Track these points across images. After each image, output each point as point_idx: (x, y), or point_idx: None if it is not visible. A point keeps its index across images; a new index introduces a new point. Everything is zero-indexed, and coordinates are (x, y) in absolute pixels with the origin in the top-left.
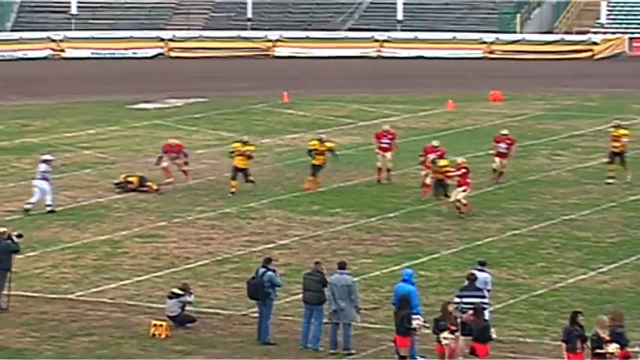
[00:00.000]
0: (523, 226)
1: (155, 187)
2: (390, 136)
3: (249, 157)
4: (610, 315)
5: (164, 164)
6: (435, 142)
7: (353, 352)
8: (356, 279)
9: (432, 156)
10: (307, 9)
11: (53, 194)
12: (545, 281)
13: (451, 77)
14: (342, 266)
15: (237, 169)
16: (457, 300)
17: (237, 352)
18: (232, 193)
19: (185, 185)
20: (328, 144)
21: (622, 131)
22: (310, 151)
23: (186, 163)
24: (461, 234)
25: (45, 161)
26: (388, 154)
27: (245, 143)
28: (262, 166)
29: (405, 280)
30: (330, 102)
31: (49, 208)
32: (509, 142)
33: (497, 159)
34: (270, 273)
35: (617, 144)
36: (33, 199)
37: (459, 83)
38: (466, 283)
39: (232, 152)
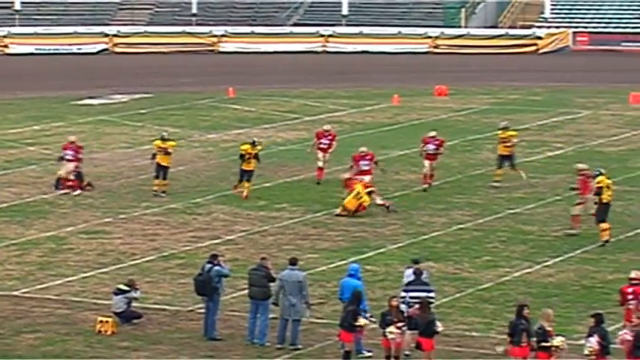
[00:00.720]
0: (469, 220)
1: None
2: (329, 137)
3: (168, 154)
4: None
5: (71, 177)
6: (362, 149)
7: (300, 347)
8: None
9: (362, 163)
10: (252, 4)
11: None
12: (490, 275)
13: (396, 72)
14: (293, 262)
15: (159, 167)
16: (403, 294)
17: (184, 348)
18: (155, 191)
19: (130, 181)
20: (259, 147)
21: (510, 133)
22: (242, 155)
23: (77, 169)
24: (407, 228)
25: None
26: (326, 155)
27: (165, 140)
28: (208, 162)
29: (351, 275)
30: (275, 97)
31: None
32: (437, 142)
33: (426, 162)
34: (216, 267)
35: (507, 145)
36: None
37: (404, 78)
38: (412, 277)
39: (154, 154)
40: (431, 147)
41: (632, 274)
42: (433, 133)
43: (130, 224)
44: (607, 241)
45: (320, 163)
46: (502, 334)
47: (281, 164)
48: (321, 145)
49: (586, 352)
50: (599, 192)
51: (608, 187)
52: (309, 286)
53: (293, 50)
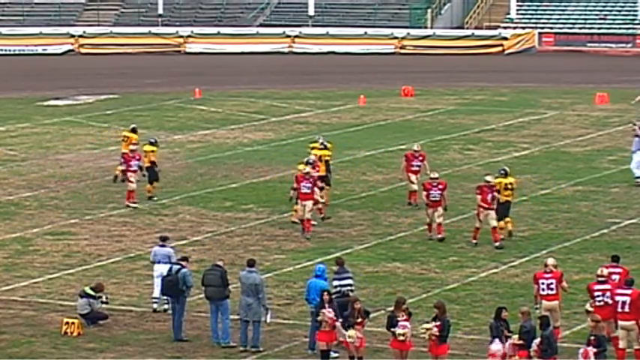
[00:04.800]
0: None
1: None
2: (420, 158)
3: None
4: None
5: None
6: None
7: (261, 349)
8: (269, 275)
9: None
10: (218, 5)
11: None
12: (457, 275)
13: (363, 72)
14: (251, 264)
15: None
16: (336, 283)
17: (151, 349)
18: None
19: (96, 182)
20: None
21: (326, 152)
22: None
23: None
24: (373, 229)
25: None
26: (418, 177)
27: (154, 144)
28: (174, 163)
29: (317, 276)
30: (242, 98)
31: None
32: (442, 186)
33: (430, 210)
34: (184, 270)
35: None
36: None
37: (370, 78)
38: (336, 267)
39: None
40: (434, 192)
41: (603, 271)
42: (435, 175)
43: (96, 225)
44: (510, 234)
45: (414, 187)
46: (469, 335)
47: (247, 165)
48: (413, 168)
49: (532, 352)
50: (497, 192)
51: (506, 187)
52: (275, 287)
53: (259, 51)
